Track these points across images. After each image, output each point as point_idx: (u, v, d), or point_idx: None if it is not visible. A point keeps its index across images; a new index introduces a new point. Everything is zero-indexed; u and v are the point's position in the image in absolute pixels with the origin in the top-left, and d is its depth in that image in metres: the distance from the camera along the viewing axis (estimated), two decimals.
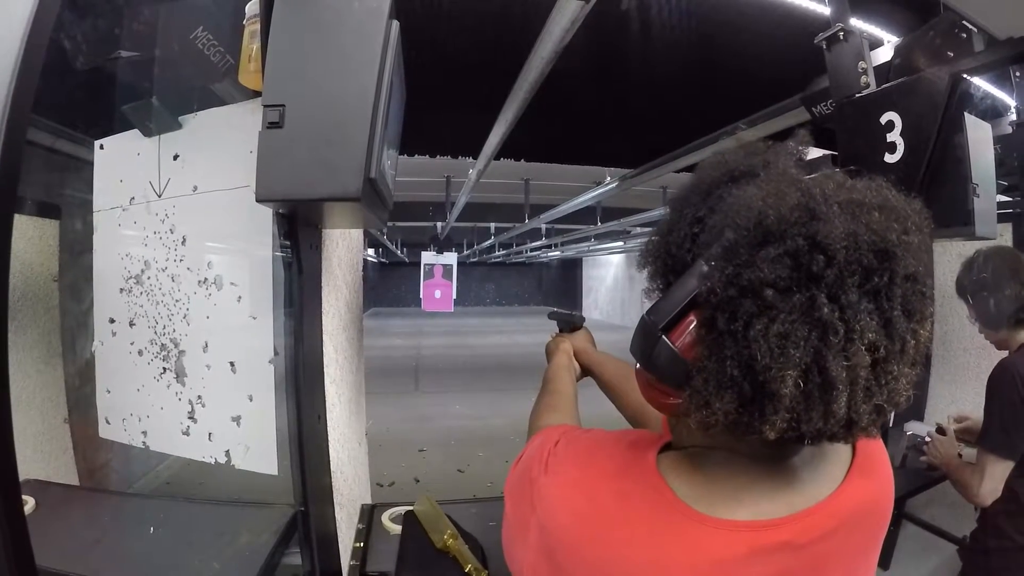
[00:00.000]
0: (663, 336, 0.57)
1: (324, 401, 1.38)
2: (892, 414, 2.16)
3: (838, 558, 0.61)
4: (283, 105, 0.86)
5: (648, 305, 0.61)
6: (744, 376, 0.51)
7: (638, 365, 0.64)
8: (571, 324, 1.39)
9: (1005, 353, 1.75)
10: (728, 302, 0.52)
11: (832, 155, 1.56)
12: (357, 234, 1.67)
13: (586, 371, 1.31)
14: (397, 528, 1.42)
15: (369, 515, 1.51)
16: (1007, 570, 1.71)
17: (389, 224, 8.26)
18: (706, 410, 0.54)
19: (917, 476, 2.16)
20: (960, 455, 1.92)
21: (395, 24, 0.90)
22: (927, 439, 2.07)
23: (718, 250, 0.54)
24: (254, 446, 1.30)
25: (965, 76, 1.36)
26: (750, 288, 0.50)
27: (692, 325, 0.56)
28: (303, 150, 0.88)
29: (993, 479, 1.64)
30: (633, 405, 1.17)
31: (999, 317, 1.73)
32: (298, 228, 1.20)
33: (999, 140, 1.84)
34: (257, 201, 0.89)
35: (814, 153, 0.68)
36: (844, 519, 0.60)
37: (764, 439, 0.53)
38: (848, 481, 0.62)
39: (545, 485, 0.64)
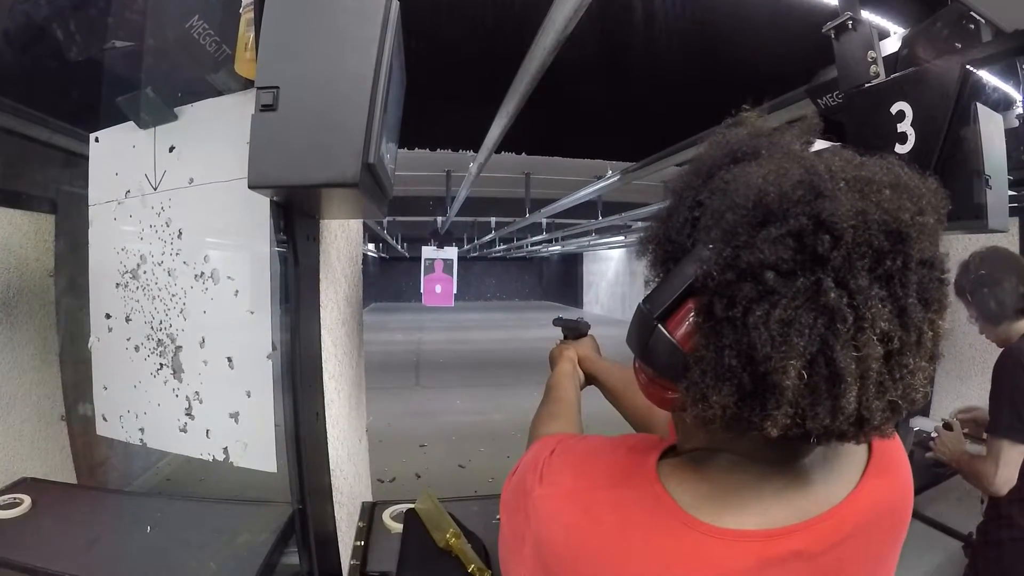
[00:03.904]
0: (659, 325, 0.54)
1: (323, 397, 1.36)
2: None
3: (855, 565, 0.58)
4: (277, 87, 0.82)
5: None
6: (743, 367, 0.48)
7: (636, 359, 0.61)
8: (576, 331, 1.36)
9: None
10: (726, 286, 0.48)
11: (840, 146, 1.54)
12: (356, 226, 1.65)
13: (590, 379, 1.28)
14: (398, 526, 1.40)
15: (370, 513, 1.49)
16: (1021, 563, 1.69)
17: (389, 219, 8.26)
18: (703, 404, 0.51)
19: (923, 473, 2.15)
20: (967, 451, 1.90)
21: (395, 3, 0.87)
22: (934, 435, 2.05)
23: (717, 232, 0.50)
24: (253, 443, 1.28)
25: (971, 68, 1.34)
26: (749, 271, 0.47)
27: (690, 313, 0.53)
28: (298, 134, 0.84)
29: (1009, 466, 1.63)
30: (639, 412, 1.15)
31: (1000, 312, 1.75)
32: (295, 219, 1.17)
33: (1006, 133, 1.83)
34: (249, 187, 0.86)
35: (821, 145, 0.65)
36: (860, 523, 0.57)
37: (768, 438, 0.49)
38: (864, 483, 0.59)
39: (540, 497, 0.60)
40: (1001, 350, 1.76)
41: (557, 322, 1.41)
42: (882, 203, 0.48)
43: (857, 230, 0.46)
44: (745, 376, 0.48)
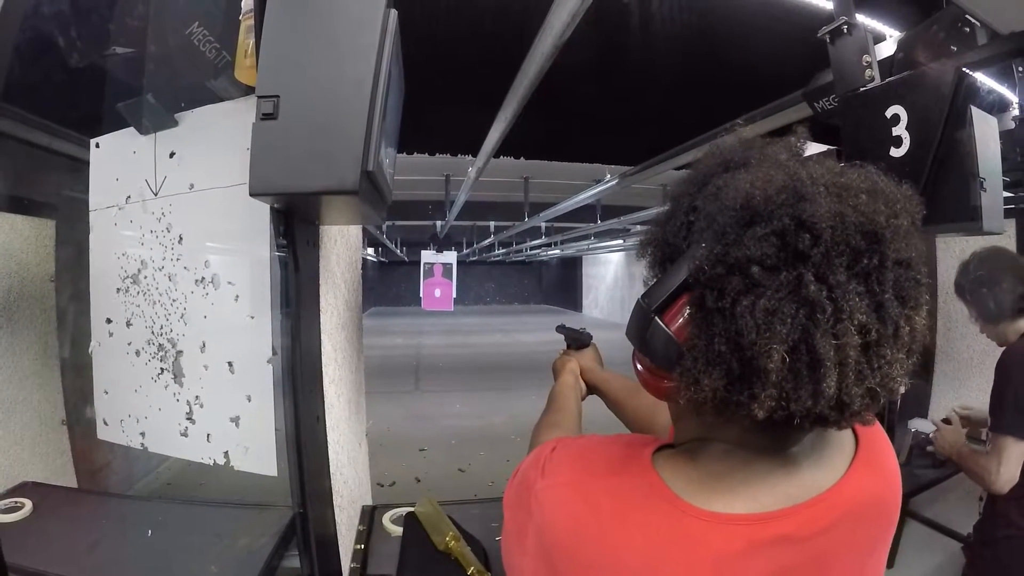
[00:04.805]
0: (656, 318, 0.58)
1: (323, 401, 1.36)
2: (896, 406, 2.16)
3: (843, 553, 0.60)
4: (277, 96, 0.83)
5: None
6: (732, 352, 0.52)
7: (635, 350, 0.65)
8: (579, 342, 1.38)
9: None
10: (716, 280, 0.53)
11: (836, 150, 1.54)
12: (356, 231, 1.66)
13: (592, 389, 1.32)
14: (398, 530, 1.41)
15: (370, 516, 1.50)
16: (1017, 560, 1.70)
17: (388, 223, 8.25)
18: (695, 387, 0.55)
19: (922, 474, 2.16)
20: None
21: (393, 12, 0.88)
22: (933, 435, 2.06)
23: (709, 233, 0.55)
24: (253, 447, 1.29)
25: (967, 70, 1.35)
26: (737, 266, 0.52)
27: (684, 307, 0.57)
28: (299, 142, 0.85)
29: (1010, 463, 1.64)
30: (640, 420, 1.18)
31: (999, 311, 1.78)
32: (295, 225, 1.18)
33: (1002, 135, 1.84)
34: (251, 195, 0.87)
35: (816, 148, 0.68)
36: (847, 511, 0.60)
37: (759, 426, 0.53)
38: (851, 472, 0.62)
39: (541, 489, 0.64)
40: (1002, 349, 1.77)
41: (560, 330, 1.43)
42: (859, 207, 0.52)
43: (835, 230, 0.50)
44: (733, 361, 0.52)
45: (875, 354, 0.51)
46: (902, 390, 0.54)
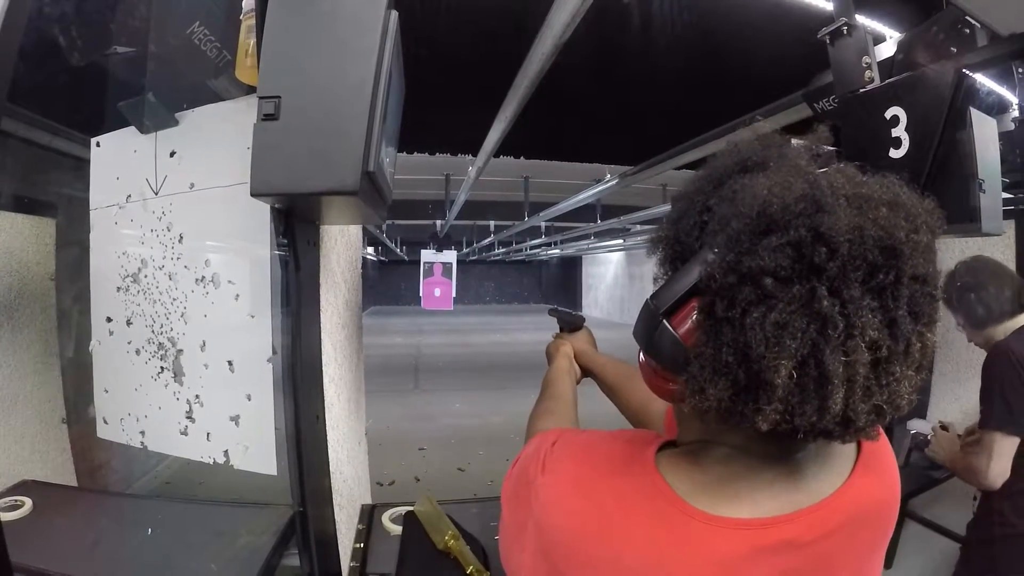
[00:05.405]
0: (664, 321, 0.57)
1: (323, 400, 1.37)
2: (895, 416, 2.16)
3: (844, 557, 0.60)
4: (279, 97, 0.84)
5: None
6: (739, 364, 0.51)
7: (641, 352, 0.64)
8: (572, 324, 1.37)
9: None
10: (727, 289, 0.52)
11: (836, 151, 1.54)
12: (356, 231, 1.66)
13: (587, 372, 1.30)
14: (397, 528, 1.41)
15: (369, 515, 1.51)
16: (1013, 558, 1.71)
17: (388, 222, 8.25)
18: (700, 396, 0.54)
19: (921, 475, 2.16)
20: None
21: (394, 14, 0.88)
22: (931, 437, 2.07)
23: (722, 238, 0.53)
24: (253, 446, 1.29)
25: (966, 72, 1.35)
26: (749, 276, 0.50)
27: (693, 311, 0.56)
28: (299, 142, 0.86)
29: (1001, 458, 1.66)
30: (635, 406, 1.17)
31: (986, 316, 1.83)
32: (295, 224, 1.18)
33: (1001, 137, 1.84)
34: (252, 195, 0.87)
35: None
36: (849, 516, 0.60)
37: (763, 434, 0.52)
38: (853, 478, 0.61)
39: (542, 485, 0.63)
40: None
41: (553, 312, 1.42)
42: (878, 220, 0.50)
43: (853, 244, 0.49)
44: (740, 372, 0.51)
45: (884, 371, 0.50)
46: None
